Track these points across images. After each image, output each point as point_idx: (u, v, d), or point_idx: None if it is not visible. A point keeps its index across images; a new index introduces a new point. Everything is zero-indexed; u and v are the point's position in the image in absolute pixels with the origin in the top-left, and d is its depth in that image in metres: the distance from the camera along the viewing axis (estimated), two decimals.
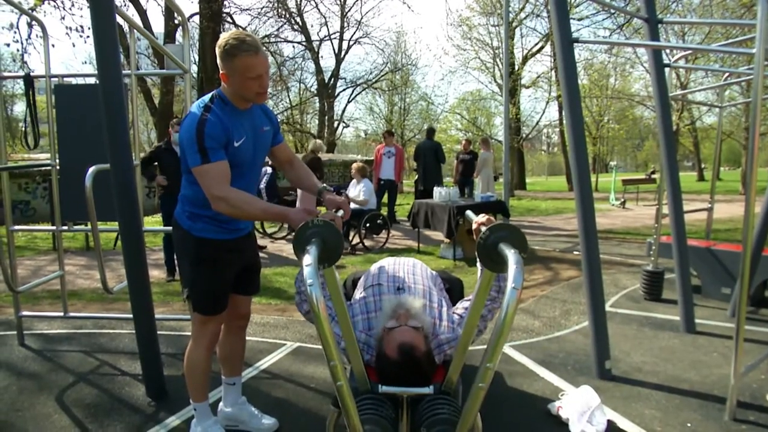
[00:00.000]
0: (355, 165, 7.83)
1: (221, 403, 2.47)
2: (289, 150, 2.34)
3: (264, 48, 1.92)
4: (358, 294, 2.22)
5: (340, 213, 2.02)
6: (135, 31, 3.31)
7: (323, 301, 1.34)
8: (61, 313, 3.65)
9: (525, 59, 22.42)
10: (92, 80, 4.06)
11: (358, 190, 7.63)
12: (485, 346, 3.34)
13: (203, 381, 2.22)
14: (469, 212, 2.15)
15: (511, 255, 1.33)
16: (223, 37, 1.88)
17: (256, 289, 2.40)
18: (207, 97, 1.98)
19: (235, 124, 1.96)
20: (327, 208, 2.11)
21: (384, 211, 8.97)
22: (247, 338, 3.57)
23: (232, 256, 2.13)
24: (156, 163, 5.24)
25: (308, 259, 1.37)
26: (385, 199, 9.23)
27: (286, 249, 7.50)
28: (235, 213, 1.91)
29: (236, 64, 1.86)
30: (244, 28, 15.51)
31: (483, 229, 1.55)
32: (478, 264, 1.95)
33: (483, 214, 1.84)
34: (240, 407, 2.44)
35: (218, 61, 1.90)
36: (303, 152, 22.66)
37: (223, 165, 1.90)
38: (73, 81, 4.40)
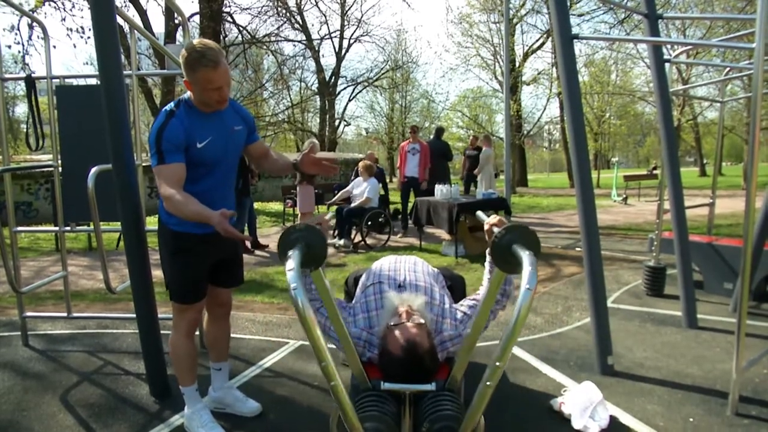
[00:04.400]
0: (362, 163, 7.67)
1: (210, 387, 2.57)
2: (263, 145, 2.43)
3: (225, 59, 1.99)
4: (360, 292, 2.23)
5: (328, 216, 2.16)
6: (135, 31, 3.31)
7: (308, 304, 1.34)
8: (65, 314, 3.66)
9: (526, 56, 22.43)
10: (93, 81, 4.08)
11: (362, 189, 7.51)
12: (487, 344, 3.35)
13: (188, 366, 2.32)
14: (480, 213, 2.18)
15: (525, 257, 1.35)
16: (187, 47, 1.95)
17: (236, 282, 2.46)
18: (174, 102, 2.08)
19: (199, 126, 2.05)
20: (305, 171, 2.34)
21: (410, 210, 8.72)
22: (250, 337, 3.61)
23: (207, 248, 2.20)
24: None
25: (290, 264, 1.36)
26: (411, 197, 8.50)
27: None
28: (175, 212, 1.97)
29: (197, 77, 1.94)
30: (244, 28, 15.50)
31: (495, 230, 1.56)
32: (487, 264, 1.97)
33: (494, 215, 1.84)
34: (226, 391, 2.55)
35: (182, 68, 1.97)
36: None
37: (177, 167, 1.99)
38: (75, 82, 4.41)
